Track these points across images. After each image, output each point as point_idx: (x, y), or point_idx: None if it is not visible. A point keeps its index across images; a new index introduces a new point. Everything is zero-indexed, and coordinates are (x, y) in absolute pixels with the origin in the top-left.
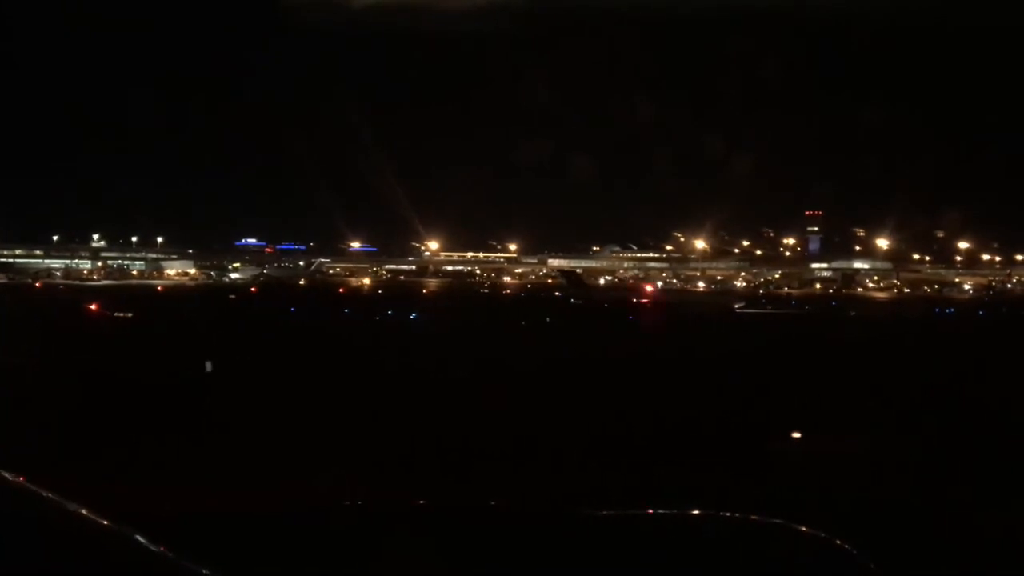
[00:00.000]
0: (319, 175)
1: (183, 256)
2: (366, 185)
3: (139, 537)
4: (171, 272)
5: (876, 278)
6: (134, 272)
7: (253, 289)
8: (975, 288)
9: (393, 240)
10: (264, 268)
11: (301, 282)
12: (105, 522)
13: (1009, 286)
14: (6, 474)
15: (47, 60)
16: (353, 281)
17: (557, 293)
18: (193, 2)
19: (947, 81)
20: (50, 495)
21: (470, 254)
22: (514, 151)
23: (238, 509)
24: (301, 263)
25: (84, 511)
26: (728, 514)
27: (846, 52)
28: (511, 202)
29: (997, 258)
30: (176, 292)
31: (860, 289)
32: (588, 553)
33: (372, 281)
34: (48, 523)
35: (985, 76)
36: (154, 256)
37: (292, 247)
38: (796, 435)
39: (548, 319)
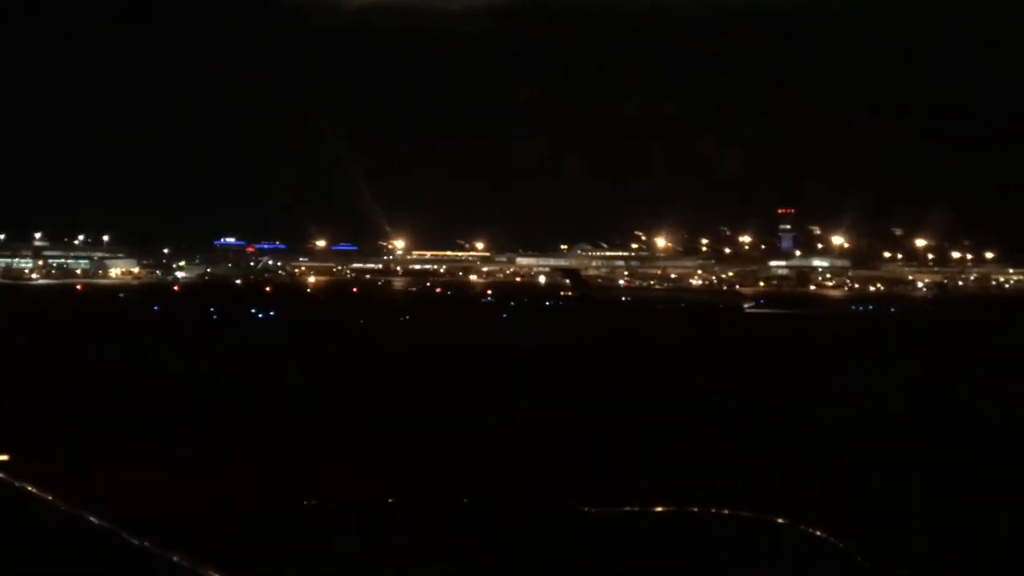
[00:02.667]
0: (302, 175)
1: (130, 255)
2: (349, 185)
3: (135, 537)
4: (117, 271)
5: (828, 276)
6: (78, 271)
7: (176, 288)
8: (928, 285)
9: (367, 239)
10: (208, 267)
11: (238, 281)
12: (102, 522)
13: (961, 283)
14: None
15: (26, 57)
16: (304, 280)
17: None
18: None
19: (919, 81)
20: (48, 496)
21: (448, 253)
22: (495, 152)
23: (237, 509)
24: (266, 261)
25: (81, 511)
26: (728, 512)
27: (817, 52)
28: (488, 202)
29: (969, 256)
30: (88, 290)
31: (813, 287)
32: (590, 549)
33: (318, 280)
34: (46, 524)
35: (956, 76)
36: (100, 255)
37: (271, 246)
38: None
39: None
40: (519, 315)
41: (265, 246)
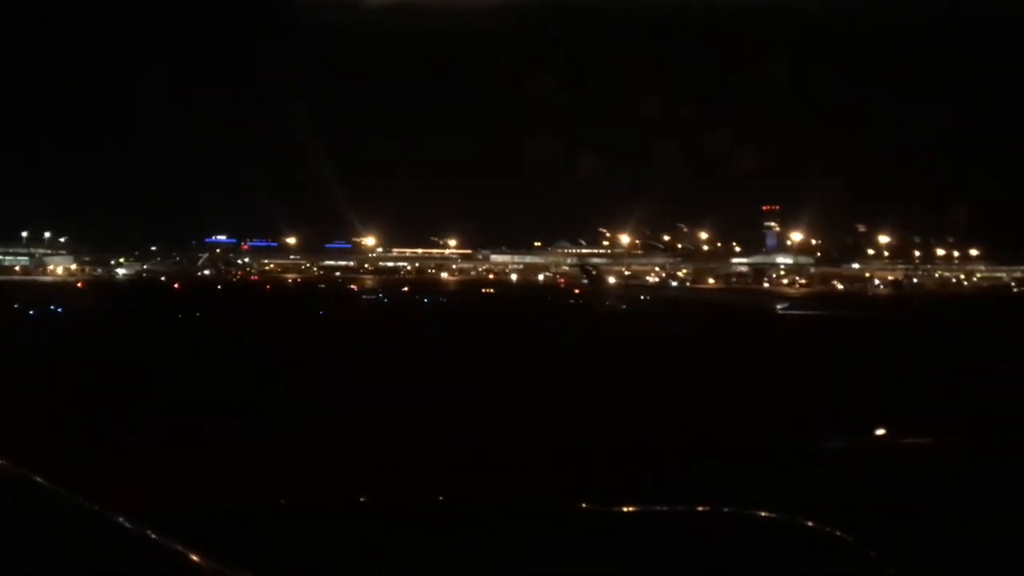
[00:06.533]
0: (298, 173)
1: (76, 251)
2: (342, 183)
3: (151, 532)
4: (59, 269)
5: (783, 273)
6: (16, 268)
7: (80, 284)
8: (885, 283)
9: (360, 236)
10: (144, 265)
11: (163, 279)
12: (112, 516)
13: (916, 281)
14: (15, 468)
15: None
16: (248, 277)
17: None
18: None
19: (910, 78)
20: (58, 489)
21: (432, 251)
22: (483, 150)
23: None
24: (207, 257)
25: (91, 505)
26: (736, 510)
27: (808, 47)
28: (474, 200)
29: (955, 254)
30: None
31: (767, 284)
32: (595, 549)
33: (263, 277)
34: (56, 519)
35: (950, 73)
36: (41, 252)
37: (264, 244)
38: None
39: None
40: (350, 312)
41: (258, 243)
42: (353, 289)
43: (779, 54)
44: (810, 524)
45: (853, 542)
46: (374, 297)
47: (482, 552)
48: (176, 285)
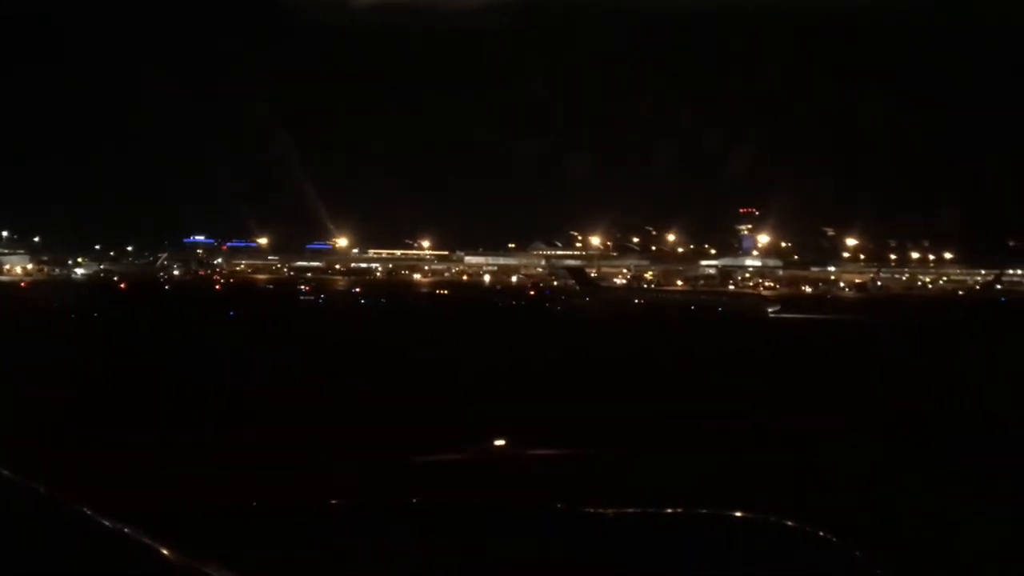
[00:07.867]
0: (278, 173)
1: (34, 250)
2: (323, 184)
3: (142, 536)
4: (18, 268)
5: (748, 276)
6: None
7: (23, 284)
8: (850, 286)
9: (340, 237)
10: (102, 265)
11: (115, 278)
12: (106, 521)
13: (880, 284)
14: (10, 475)
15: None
16: (212, 278)
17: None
18: None
19: (887, 82)
20: (53, 495)
21: (410, 252)
22: (462, 152)
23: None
24: (163, 258)
25: (85, 510)
26: (729, 513)
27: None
28: (454, 202)
29: (931, 257)
30: None
31: (732, 286)
32: (592, 551)
33: (227, 278)
34: (50, 523)
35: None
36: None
37: (244, 244)
38: None
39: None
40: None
41: (237, 244)
42: (302, 289)
43: (762, 56)
44: (792, 524)
45: (838, 542)
46: (312, 298)
47: (466, 553)
48: (122, 285)
